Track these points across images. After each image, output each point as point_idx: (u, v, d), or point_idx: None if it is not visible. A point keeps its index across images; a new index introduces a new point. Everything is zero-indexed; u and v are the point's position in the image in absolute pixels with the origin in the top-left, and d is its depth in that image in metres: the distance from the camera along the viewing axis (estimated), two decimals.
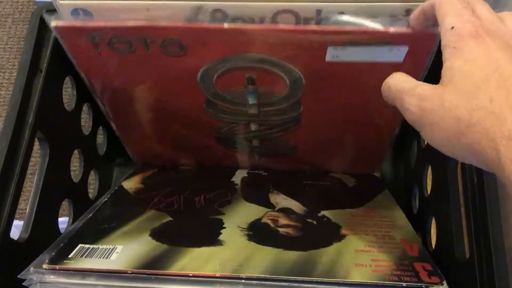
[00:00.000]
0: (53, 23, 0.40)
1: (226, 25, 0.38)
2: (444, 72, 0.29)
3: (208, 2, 0.39)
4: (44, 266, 0.36)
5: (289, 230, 0.45)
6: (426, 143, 0.52)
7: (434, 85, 0.30)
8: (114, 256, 0.39)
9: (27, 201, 0.44)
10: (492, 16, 0.30)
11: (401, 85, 0.32)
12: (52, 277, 0.36)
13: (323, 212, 0.49)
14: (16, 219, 0.41)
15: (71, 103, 0.50)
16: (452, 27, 0.30)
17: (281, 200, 0.52)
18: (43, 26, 0.45)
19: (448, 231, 0.43)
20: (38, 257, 0.38)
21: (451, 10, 0.31)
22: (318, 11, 0.39)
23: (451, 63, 0.29)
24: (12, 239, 0.40)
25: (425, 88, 0.30)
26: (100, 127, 0.58)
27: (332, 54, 0.40)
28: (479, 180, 0.39)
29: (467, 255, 0.39)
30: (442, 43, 0.30)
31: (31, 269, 0.36)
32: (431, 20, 0.34)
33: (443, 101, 0.28)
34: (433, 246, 0.47)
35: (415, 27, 0.36)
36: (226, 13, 0.39)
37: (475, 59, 0.28)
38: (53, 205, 0.47)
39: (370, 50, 0.39)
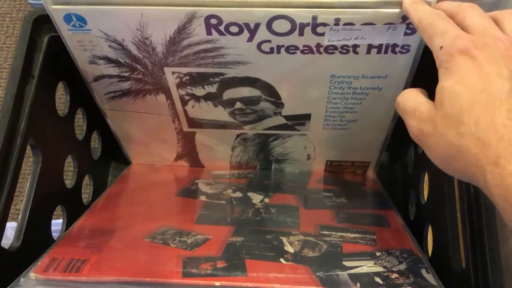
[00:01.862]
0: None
1: (217, 283, 0.36)
2: (437, 93, 0.29)
3: (203, 8, 0.39)
4: (33, 276, 0.36)
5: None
6: (423, 149, 0.51)
7: (431, 107, 0.30)
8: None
9: (19, 207, 0.43)
10: (483, 22, 0.30)
11: (406, 105, 0.32)
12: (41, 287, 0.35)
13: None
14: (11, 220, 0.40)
15: (65, 108, 0.50)
16: (441, 47, 0.29)
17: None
18: (35, 31, 0.44)
19: (444, 240, 0.43)
20: (29, 267, 0.37)
21: (436, 29, 0.31)
22: (314, 17, 0.38)
23: (442, 84, 0.29)
24: (3, 248, 0.39)
25: (423, 110, 0.30)
26: (95, 132, 0.58)
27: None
28: (476, 189, 0.39)
29: (464, 265, 0.39)
30: (436, 63, 0.30)
31: (21, 279, 0.36)
32: None
33: (436, 126, 0.29)
34: (429, 254, 0.47)
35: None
36: (221, 19, 0.39)
37: (465, 78, 0.28)
38: (45, 213, 0.47)
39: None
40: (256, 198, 0.53)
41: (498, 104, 0.26)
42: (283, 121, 0.51)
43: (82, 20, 0.40)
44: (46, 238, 0.46)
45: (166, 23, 0.40)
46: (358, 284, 0.37)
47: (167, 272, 0.37)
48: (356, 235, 0.45)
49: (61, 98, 0.52)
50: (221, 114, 0.51)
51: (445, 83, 0.29)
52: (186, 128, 0.54)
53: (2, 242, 0.39)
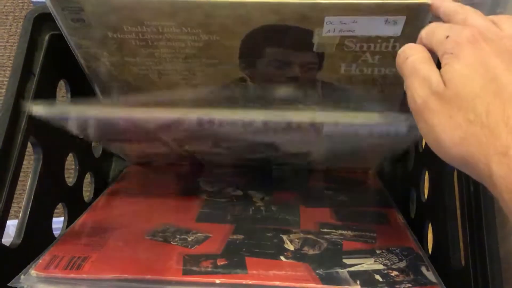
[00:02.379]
0: None
1: (217, 281, 0.37)
2: (444, 73, 0.28)
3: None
4: (34, 273, 0.36)
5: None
6: (423, 147, 0.51)
7: (441, 80, 0.28)
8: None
9: (21, 205, 0.43)
10: (486, 22, 0.30)
11: (417, 66, 0.30)
12: (42, 285, 0.35)
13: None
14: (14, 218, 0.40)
15: None
16: (447, 36, 0.29)
17: None
18: (36, 29, 0.44)
19: (444, 238, 0.43)
20: (29, 265, 0.37)
21: (440, 27, 0.30)
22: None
23: (450, 66, 0.28)
24: (4, 245, 0.39)
25: (434, 82, 0.28)
26: None
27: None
28: (475, 187, 0.39)
29: (463, 263, 0.39)
30: (440, 54, 0.29)
31: (22, 277, 0.36)
32: None
33: (444, 105, 0.28)
34: (429, 252, 0.47)
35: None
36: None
37: (473, 64, 0.27)
38: (46, 210, 0.47)
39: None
40: (257, 196, 0.53)
41: (508, 95, 0.26)
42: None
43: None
44: (47, 236, 0.46)
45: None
46: (358, 281, 0.37)
47: (168, 270, 0.37)
48: (356, 233, 0.45)
49: (63, 96, 0.52)
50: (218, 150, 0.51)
51: (453, 65, 0.28)
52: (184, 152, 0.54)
53: (3, 239, 0.39)
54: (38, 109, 0.39)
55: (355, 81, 0.44)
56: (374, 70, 0.42)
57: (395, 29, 0.38)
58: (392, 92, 0.44)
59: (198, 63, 0.43)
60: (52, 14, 0.40)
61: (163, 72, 0.45)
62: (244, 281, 0.36)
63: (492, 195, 0.37)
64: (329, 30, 0.39)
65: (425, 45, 0.31)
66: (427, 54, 0.31)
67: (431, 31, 0.31)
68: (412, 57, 0.31)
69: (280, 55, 0.42)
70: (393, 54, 0.38)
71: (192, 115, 0.39)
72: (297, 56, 0.42)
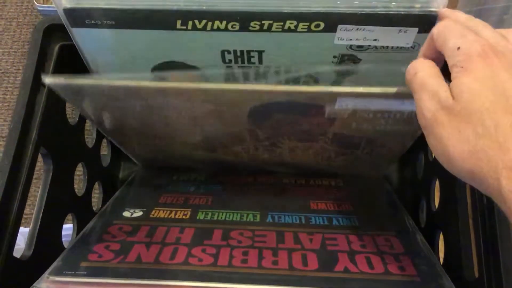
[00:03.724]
0: None
1: None
2: (453, 87, 0.29)
3: None
4: (44, 285, 0.36)
5: None
6: (433, 156, 0.51)
7: (449, 95, 0.28)
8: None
9: (31, 216, 0.43)
10: (496, 35, 0.30)
11: (426, 81, 0.30)
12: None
13: None
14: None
15: (75, 116, 0.50)
16: (458, 48, 0.29)
17: None
18: (46, 40, 0.44)
19: (456, 248, 0.42)
20: (41, 277, 0.37)
21: (453, 31, 0.30)
22: None
23: (460, 80, 0.28)
24: (15, 258, 0.39)
25: (443, 96, 0.28)
26: (104, 139, 0.58)
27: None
28: (488, 197, 0.38)
29: (476, 275, 0.38)
30: (450, 64, 0.30)
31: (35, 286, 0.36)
32: None
33: (452, 119, 0.28)
34: (441, 262, 0.46)
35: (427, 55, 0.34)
36: None
37: (483, 78, 0.28)
38: (56, 221, 0.47)
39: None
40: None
41: None
42: None
43: None
44: (57, 247, 0.46)
45: None
46: None
47: None
48: None
49: (71, 107, 0.52)
50: None
51: (463, 79, 0.28)
52: None
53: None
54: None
55: (367, 131, 0.44)
56: (387, 126, 0.42)
57: (411, 107, 0.39)
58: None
59: (205, 120, 0.44)
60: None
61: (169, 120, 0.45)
62: None
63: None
64: (342, 105, 0.39)
65: (435, 46, 0.31)
66: (436, 69, 0.31)
67: (443, 36, 0.31)
68: (420, 72, 0.31)
69: (289, 118, 0.42)
70: (405, 119, 0.39)
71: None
72: (307, 119, 0.42)
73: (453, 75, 0.29)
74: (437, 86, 0.29)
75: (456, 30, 0.30)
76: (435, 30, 0.32)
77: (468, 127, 0.27)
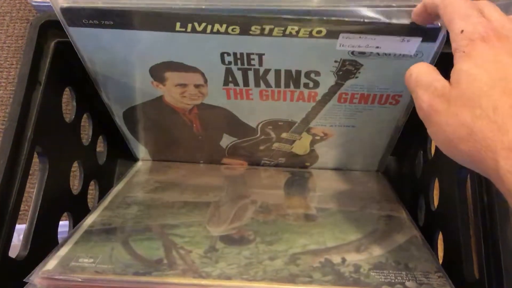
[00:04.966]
0: None
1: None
2: (453, 74, 0.29)
3: None
4: (37, 282, 0.35)
5: None
6: (433, 154, 0.51)
7: (446, 84, 0.29)
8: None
9: (28, 211, 0.43)
10: (502, 18, 0.30)
11: (420, 78, 0.31)
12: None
13: None
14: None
15: (71, 114, 0.49)
16: (462, 31, 0.29)
17: None
18: (42, 36, 0.43)
19: (456, 248, 0.42)
20: (33, 272, 0.36)
21: (458, 11, 0.30)
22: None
23: (460, 66, 0.29)
24: (11, 258, 0.39)
25: (438, 86, 0.29)
26: (100, 136, 0.57)
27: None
28: (489, 197, 0.38)
29: (477, 276, 0.38)
30: (452, 46, 0.30)
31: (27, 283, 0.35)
32: (434, 18, 0.34)
33: (450, 105, 0.28)
34: (440, 262, 0.46)
35: (418, 21, 0.36)
36: None
37: (483, 63, 0.28)
38: (52, 220, 0.46)
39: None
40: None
41: None
42: None
43: None
44: (53, 246, 0.45)
45: None
46: None
47: None
48: None
49: (67, 104, 0.51)
50: None
51: (463, 65, 0.28)
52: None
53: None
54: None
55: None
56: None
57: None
58: None
59: None
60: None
61: None
62: None
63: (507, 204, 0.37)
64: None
65: (439, 14, 0.32)
66: (430, 67, 0.32)
67: (449, 13, 0.30)
68: (415, 73, 0.32)
69: None
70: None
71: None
72: None
73: (455, 60, 0.29)
74: (431, 80, 0.30)
75: (462, 8, 0.30)
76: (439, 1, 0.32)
77: (465, 110, 0.27)
